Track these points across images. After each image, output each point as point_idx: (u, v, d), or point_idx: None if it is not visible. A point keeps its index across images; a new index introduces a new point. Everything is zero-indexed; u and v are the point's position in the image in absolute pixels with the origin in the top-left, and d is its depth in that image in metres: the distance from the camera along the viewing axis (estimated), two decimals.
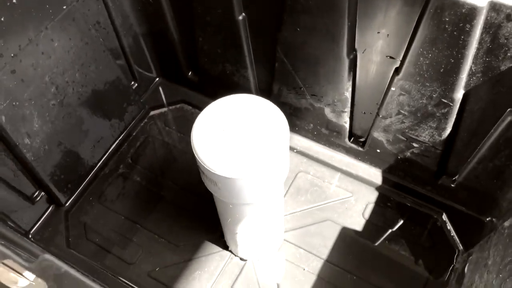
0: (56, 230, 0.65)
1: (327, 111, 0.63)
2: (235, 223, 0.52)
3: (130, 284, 0.57)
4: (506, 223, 0.48)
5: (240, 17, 0.58)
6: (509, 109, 0.49)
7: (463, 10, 0.43)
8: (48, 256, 0.31)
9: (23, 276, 0.34)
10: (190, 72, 0.73)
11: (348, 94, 0.59)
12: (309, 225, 0.64)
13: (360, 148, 0.65)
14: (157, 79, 0.77)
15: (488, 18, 0.43)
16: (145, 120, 0.75)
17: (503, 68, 0.45)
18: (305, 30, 0.54)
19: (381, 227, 0.63)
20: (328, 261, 0.61)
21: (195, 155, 0.43)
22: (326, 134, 0.66)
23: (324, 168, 0.68)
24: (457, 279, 0.57)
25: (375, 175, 0.66)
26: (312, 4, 0.51)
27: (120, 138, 0.71)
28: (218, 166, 0.42)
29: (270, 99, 0.63)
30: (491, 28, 0.43)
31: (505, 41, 0.43)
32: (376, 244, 0.62)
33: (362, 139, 0.65)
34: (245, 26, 0.59)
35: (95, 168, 0.69)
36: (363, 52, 0.54)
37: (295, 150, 0.70)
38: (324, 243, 0.63)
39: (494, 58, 0.45)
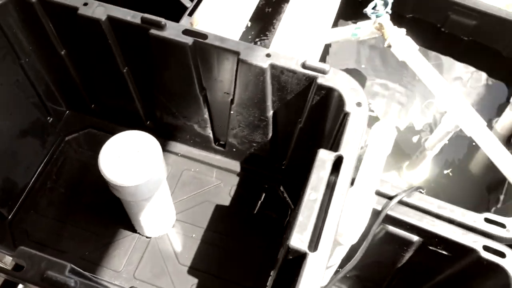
0: (3, 237, 0.87)
1: (196, 127, 0.90)
2: (137, 213, 0.79)
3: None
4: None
5: (125, 70, 0.83)
6: (299, 119, 0.79)
7: (257, 70, 0.72)
8: (23, 247, 0.56)
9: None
10: (93, 105, 0.96)
11: (207, 116, 0.86)
12: (193, 207, 0.92)
13: (222, 149, 0.94)
14: (67, 111, 0.99)
15: (272, 72, 0.72)
16: (62, 145, 0.97)
17: (288, 98, 0.75)
18: (171, 79, 0.81)
19: (243, 200, 0.93)
20: (208, 229, 0.90)
21: (103, 175, 0.69)
22: (199, 141, 0.94)
23: (201, 165, 0.96)
24: (289, 225, 0.88)
25: (236, 166, 0.95)
26: (171, 63, 0.77)
27: (44, 161, 0.94)
28: (119, 179, 0.68)
29: (156, 120, 0.90)
30: (275, 78, 0.73)
31: (284, 84, 0.73)
32: (240, 212, 0.92)
33: (223, 143, 0.93)
34: (129, 75, 0.84)
35: (29, 186, 0.91)
36: (210, 91, 0.82)
37: (179, 154, 0.97)
38: (205, 217, 0.91)
39: (281, 93, 0.75)
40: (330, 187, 0.61)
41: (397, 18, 1.22)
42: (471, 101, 1.30)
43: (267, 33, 1.30)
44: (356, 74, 1.35)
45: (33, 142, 0.89)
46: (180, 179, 0.95)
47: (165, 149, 0.96)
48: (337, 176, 0.62)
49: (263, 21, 1.30)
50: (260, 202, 0.94)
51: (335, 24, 1.29)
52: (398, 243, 0.99)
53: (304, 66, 0.69)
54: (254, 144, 0.88)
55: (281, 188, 0.93)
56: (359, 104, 0.66)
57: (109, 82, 0.87)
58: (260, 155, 0.90)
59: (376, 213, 0.92)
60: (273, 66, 0.71)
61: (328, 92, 0.69)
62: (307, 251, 0.57)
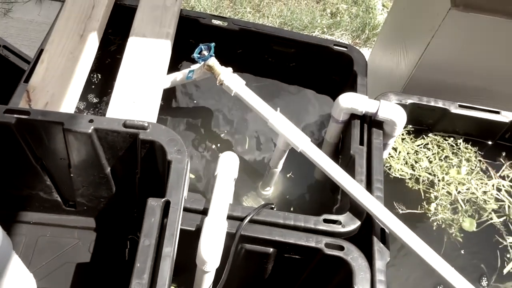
0: None
1: (42, 194, 0.93)
2: None
3: None
4: None
5: None
6: (136, 171, 0.87)
7: (83, 135, 0.78)
8: None
9: None
10: None
11: (49, 182, 0.90)
12: (54, 270, 0.94)
13: (74, 209, 0.97)
14: None
15: (98, 135, 0.79)
16: None
17: (120, 154, 0.83)
18: (4, 156, 0.83)
19: (104, 253, 0.97)
20: None
21: None
22: (49, 206, 0.97)
23: (56, 228, 0.99)
24: None
25: (91, 222, 1.00)
26: None
27: None
28: None
29: (1, 195, 0.91)
30: (102, 139, 0.79)
31: (113, 143, 0.80)
32: (102, 265, 0.96)
33: (73, 203, 0.97)
34: None
35: None
36: (46, 159, 0.86)
37: (31, 222, 0.98)
38: (67, 278, 0.94)
39: (112, 151, 0.82)
40: (164, 230, 0.70)
41: (230, 54, 1.36)
42: (306, 117, 1.49)
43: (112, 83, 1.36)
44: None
45: None
46: (36, 247, 0.96)
47: (16, 220, 0.97)
48: (167, 219, 0.70)
49: (107, 72, 1.36)
50: (127, 249, 0.99)
51: (178, 64, 1.39)
52: (258, 257, 1.11)
53: (125, 125, 0.77)
54: (102, 200, 0.93)
55: (138, 234, 0.99)
56: (178, 152, 0.76)
57: None
58: (114, 209, 0.96)
59: (232, 236, 1.03)
60: (97, 130, 0.78)
61: (151, 145, 0.78)
62: None
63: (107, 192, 0.90)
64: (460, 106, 1.40)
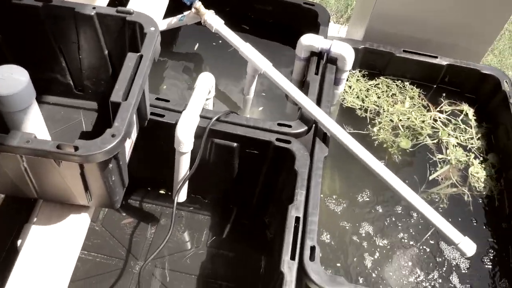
0: None
1: (59, 76, 1.25)
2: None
3: None
4: None
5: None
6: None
7: (88, 17, 1.10)
8: None
9: None
10: None
11: (64, 65, 1.22)
12: (65, 134, 1.25)
13: (82, 93, 1.29)
14: None
15: (99, 19, 1.11)
16: None
17: (114, 37, 1.14)
18: (36, 44, 1.17)
19: (100, 126, 1.28)
20: None
21: None
22: (64, 90, 1.29)
23: (68, 108, 1.30)
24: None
25: (94, 105, 1.31)
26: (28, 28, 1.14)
27: None
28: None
29: None
30: (101, 23, 1.12)
31: (108, 27, 1.12)
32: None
33: (81, 89, 1.29)
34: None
35: None
36: (62, 43, 1.18)
37: (50, 103, 1.30)
38: (73, 138, 1.24)
39: (108, 34, 1.14)
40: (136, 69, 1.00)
41: (219, 12, 1.68)
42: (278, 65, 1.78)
43: None
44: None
45: None
46: (54, 119, 1.28)
47: (40, 101, 1.29)
48: (140, 63, 1.00)
49: None
50: None
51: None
52: (224, 151, 1.40)
53: (117, 11, 1.10)
54: (102, 82, 1.25)
55: None
56: (153, 28, 1.07)
57: None
58: (109, 91, 1.27)
59: (203, 129, 1.33)
60: (98, 14, 1.10)
61: (134, 25, 1.10)
62: (121, 101, 0.94)
63: (105, 74, 1.22)
64: (404, 51, 1.69)
